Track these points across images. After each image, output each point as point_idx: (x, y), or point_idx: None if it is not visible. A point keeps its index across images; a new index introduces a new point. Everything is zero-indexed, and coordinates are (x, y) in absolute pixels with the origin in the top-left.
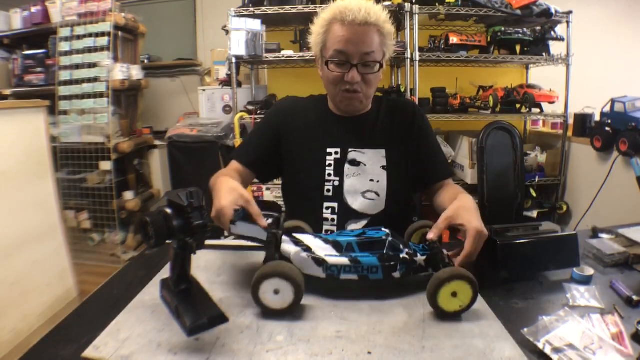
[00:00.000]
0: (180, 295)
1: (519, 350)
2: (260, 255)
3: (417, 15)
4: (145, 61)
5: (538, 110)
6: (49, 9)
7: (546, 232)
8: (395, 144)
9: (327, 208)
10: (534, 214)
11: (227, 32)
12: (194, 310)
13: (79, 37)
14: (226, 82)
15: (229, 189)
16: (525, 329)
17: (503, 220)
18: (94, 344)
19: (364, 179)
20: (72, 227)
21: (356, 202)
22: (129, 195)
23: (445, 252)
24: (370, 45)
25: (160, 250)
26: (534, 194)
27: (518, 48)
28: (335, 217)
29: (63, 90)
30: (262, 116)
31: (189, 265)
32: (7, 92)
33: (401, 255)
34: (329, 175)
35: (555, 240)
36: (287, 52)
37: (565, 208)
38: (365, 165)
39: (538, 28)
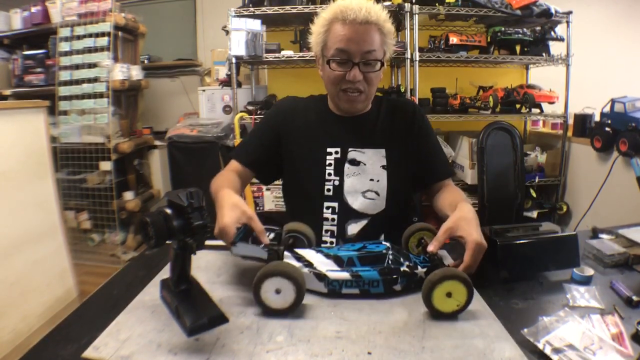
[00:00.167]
0: (180, 295)
1: (519, 351)
2: None
3: (417, 15)
4: (145, 61)
5: (538, 111)
6: (49, 9)
7: (546, 232)
8: (395, 144)
9: (327, 208)
10: (534, 214)
11: (227, 32)
12: (194, 310)
13: (79, 37)
14: (226, 82)
15: (231, 205)
16: (525, 329)
17: (503, 220)
18: (94, 344)
19: (364, 179)
20: (72, 227)
21: (356, 202)
22: (129, 195)
23: (445, 253)
24: (371, 44)
25: (160, 251)
26: (534, 194)
27: (518, 48)
28: (335, 216)
29: (63, 91)
30: (262, 116)
31: (189, 266)
32: (7, 92)
33: (402, 269)
34: (329, 174)
35: (555, 241)
36: (287, 52)
37: (565, 208)
38: (365, 164)
39: (538, 28)
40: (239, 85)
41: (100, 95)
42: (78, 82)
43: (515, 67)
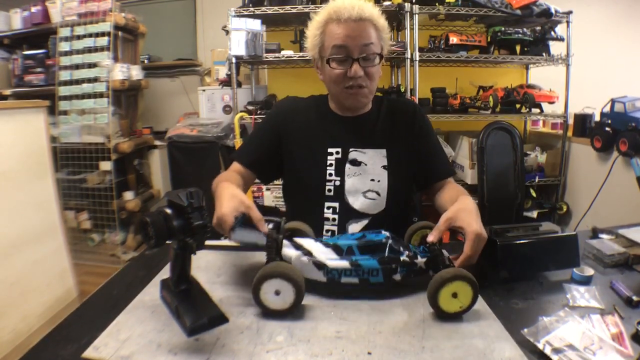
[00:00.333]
0: (180, 295)
1: (519, 351)
2: (260, 256)
3: (417, 15)
4: (145, 61)
5: (538, 111)
6: (49, 9)
7: (546, 232)
8: (396, 144)
9: (328, 208)
10: (534, 214)
11: (227, 32)
12: (194, 310)
13: (79, 37)
14: (226, 82)
15: (230, 195)
16: (525, 330)
17: (503, 220)
18: (94, 344)
19: (365, 179)
20: (72, 227)
21: (357, 202)
22: (129, 195)
23: (445, 253)
24: (368, 38)
25: (160, 251)
26: (534, 194)
27: (518, 48)
28: (336, 216)
29: (63, 90)
30: (262, 116)
31: (189, 266)
32: (7, 92)
33: (401, 258)
34: (330, 175)
35: (555, 241)
36: (287, 52)
37: (565, 208)
38: (366, 164)
39: (538, 28)
40: (239, 85)
41: (100, 95)
42: (78, 82)
43: (515, 67)
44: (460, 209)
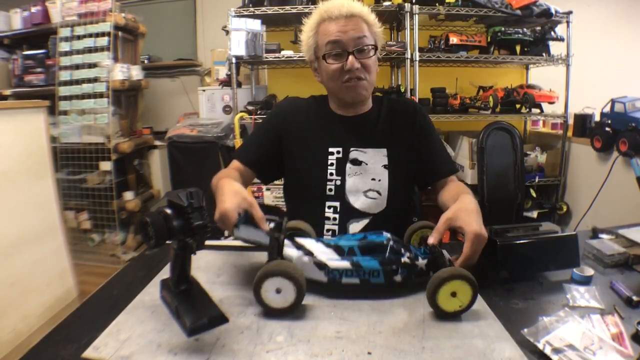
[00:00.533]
0: (180, 295)
1: (519, 351)
2: (260, 256)
3: (417, 16)
4: (145, 61)
5: (538, 111)
6: (49, 9)
7: (546, 232)
8: (397, 143)
9: (329, 207)
10: (534, 214)
11: (227, 32)
12: (194, 310)
13: (79, 37)
14: (226, 82)
15: (232, 191)
16: (525, 330)
17: (503, 220)
18: (94, 345)
19: (366, 178)
20: (72, 227)
21: (358, 201)
22: (129, 195)
23: (445, 253)
24: (360, 31)
25: (160, 251)
26: (534, 194)
27: (518, 48)
28: (337, 216)
29: (63, 91)
30: (262, 116)
31: (189, 266)
32: (7, 92)
33: (402, 259)
34: (331, 174)
35: (555, 241)
36: (287, 52)
37: (565, 208)
38: (366, 164)
39: (538, 28)
40: (239, 85)
41: (100, 95)
42: (78, 82)
43: (515, 67)
44: (460, 209)
